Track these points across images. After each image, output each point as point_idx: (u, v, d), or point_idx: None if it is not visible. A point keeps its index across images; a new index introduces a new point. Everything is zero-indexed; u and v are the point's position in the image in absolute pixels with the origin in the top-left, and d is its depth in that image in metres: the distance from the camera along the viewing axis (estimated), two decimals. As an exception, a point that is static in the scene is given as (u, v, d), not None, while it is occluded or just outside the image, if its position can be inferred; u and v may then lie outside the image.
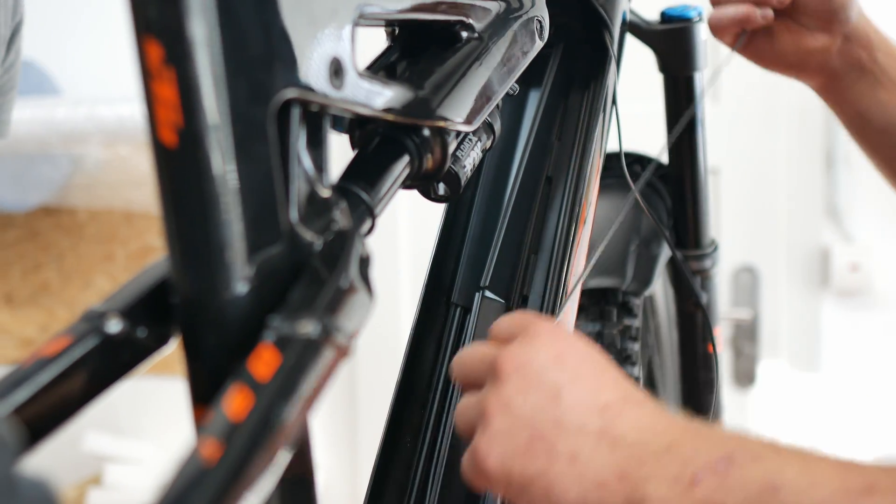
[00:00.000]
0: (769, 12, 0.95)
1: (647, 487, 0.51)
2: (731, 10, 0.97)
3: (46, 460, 0.39)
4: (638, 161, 1.18)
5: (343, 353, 0.44)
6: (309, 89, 0.47)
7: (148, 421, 2.26)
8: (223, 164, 0.42)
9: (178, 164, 0.42)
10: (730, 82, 2.04)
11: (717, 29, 0.99)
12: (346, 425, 2.24)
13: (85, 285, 2.36)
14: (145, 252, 2.31)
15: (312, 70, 0.48)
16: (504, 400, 0.54)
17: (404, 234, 2.17)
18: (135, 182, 2.13)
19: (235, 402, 0.38)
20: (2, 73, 1.00)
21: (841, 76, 0.93)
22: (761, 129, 2.08)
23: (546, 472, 0.53)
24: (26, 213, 2.31)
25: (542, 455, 0.53)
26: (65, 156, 2.13)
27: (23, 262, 2.39)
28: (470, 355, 0.59)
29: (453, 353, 0.75)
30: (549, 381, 0.54)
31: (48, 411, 0.41)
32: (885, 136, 0.93)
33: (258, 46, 0.44)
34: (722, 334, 1.80)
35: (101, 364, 0.43)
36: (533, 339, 0.57)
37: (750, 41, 0.98)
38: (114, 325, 0.44)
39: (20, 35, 1.01)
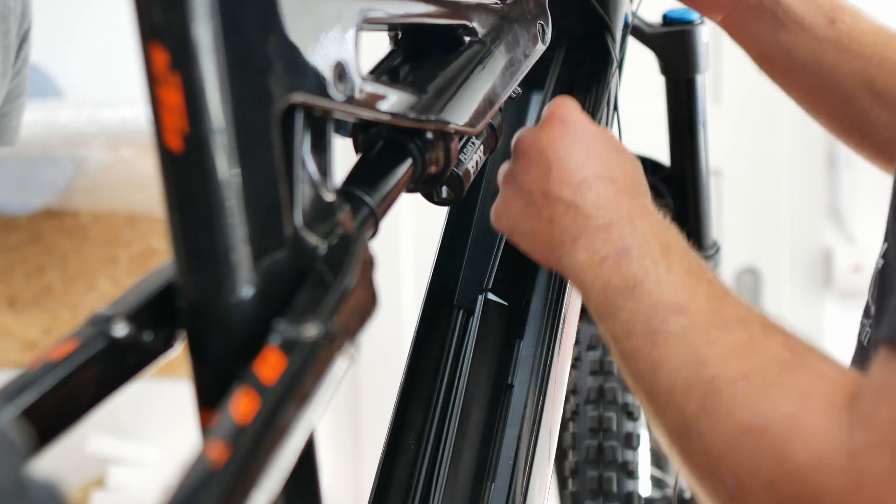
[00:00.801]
0: None
1: (578, 253, 0.67)
2: None
3: (50, 462, 0.39)
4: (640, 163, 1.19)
5: (348, 356, 0.45)
6: (313, 94, 0.48)
7: (151, 423, 2.26)
8: (228, 169, 0.43)
9: (184, 169, 0.42)
10: (732, 83, 2.05)
11: None
12: (349, 427, 2.24)
13: (88, 288, 2.37)
14: (148, 254, 2.32)
15: (316, 75, 0.48)
16: (514, 174, 0.73)
17: (407, 238, 2.17)
18: (138, 184, 2.14)
19: (242, 405, 0.38)
20: (11, 79, 1.01)
21: (738, 15, 0.89)
22: (763, 131, 2.08)
23: (534, 228, 0.71)
24: (29, 215, 2.31)
25: (533, 217, 0.70)
26: (68, 158, 2.14)
27: (26, 264, 2.39)
28: (517, 134, 0.75)
29: (456, 355, 0.75)
30: (544, 159, 0.70)
31: (55, 414, 0.41)
32: (791, 76, 0.91)
33: (263, 52, 0.44)
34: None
35: (107, 367, 0.44)
36: (543, 126, 0.73)
37: None
38: (120, 329, 0.44)
39: (28, 42, 1.02)
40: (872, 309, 0.77)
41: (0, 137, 1.04)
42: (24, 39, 1.00)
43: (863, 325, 0.79)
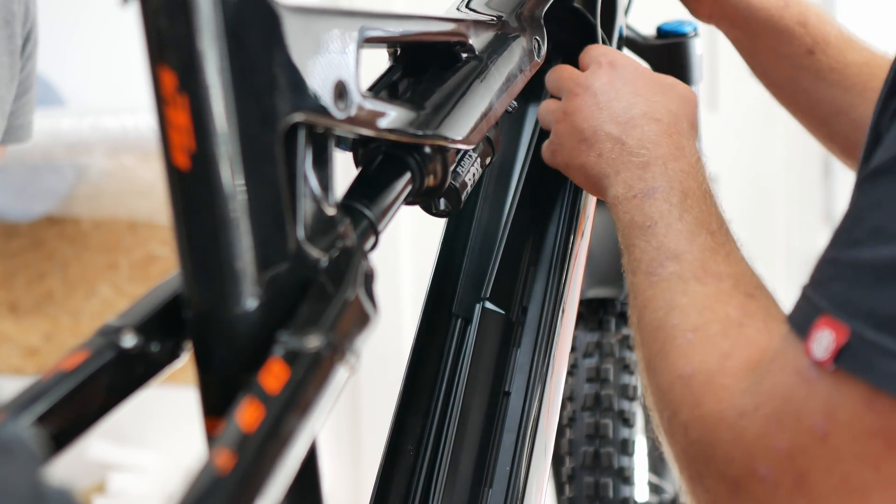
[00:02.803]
0: None
1: (617, 186, 0.72)
2: None
3: (51, 468, 0.41)
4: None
5: (349, 366, 0.46)
6: (315, 113, 0.49)
7: (151, 429, 2.27)
8: (233, 186, 0.44)
9: (191, 185, 0.44)
10: (728, 91, 2.06)
11: None
12: (349, 434, 2.26)
13: (89, 294, 2.38)
14: (149, 261, 2.33)
15: (318, 94, 0.50)
16: (567, 113, 0.78)
17: (406, 248, 2.18)
18: (139, 192, 2.15)
19: (247, 414, 0.40)
20: (18, 76, 1.02)
21: (724, 28, 0.93)
22: (759, 138, 2.10)
23: (585, 163, 0.76)
24: (31, 222, 2.33)
25: (584, 152, 0.76)
26: (69, 166, 2.15)
27: (27, 271, 2.40)
28: (560, 73, 0.81)
29: (454, 363, 0.77)
30: (597, 101, 0.76)
31: (67, 422, 0.43)
32: (773, 90, 0.95)
33: (267, 74, 0.46)
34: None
35: (116, 377, 0.45)
36: (597, 68, 0.79)
37: None
38: (128, 340, 0.46)
39: (33, 40, 1.03)
40: None
41: (12, 135, 1.05)
42: (27, 39, 1.02)
43: None
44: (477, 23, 0.72)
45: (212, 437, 0.46)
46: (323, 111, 0.50)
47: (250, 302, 0.46)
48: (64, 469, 0.36)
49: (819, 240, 2.11)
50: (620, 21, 0.97)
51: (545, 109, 0.82)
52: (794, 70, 0.91)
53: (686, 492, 0.60)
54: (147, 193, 2.13)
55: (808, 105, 0.92)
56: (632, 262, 0.69)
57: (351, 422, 2.25)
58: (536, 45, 0.78)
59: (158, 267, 2.30)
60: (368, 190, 0.59)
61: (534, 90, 0.86)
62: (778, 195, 2.11)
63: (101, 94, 2.25)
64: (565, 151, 0.78)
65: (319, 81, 0.50)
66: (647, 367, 0.64)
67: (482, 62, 0.70)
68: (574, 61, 0.91)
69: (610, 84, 0.77)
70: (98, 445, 2.19)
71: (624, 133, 0.74)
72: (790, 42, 0.90)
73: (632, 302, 0.68)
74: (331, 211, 0.52)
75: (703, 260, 0.65)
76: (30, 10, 1.02)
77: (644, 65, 1.03)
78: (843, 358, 0.49)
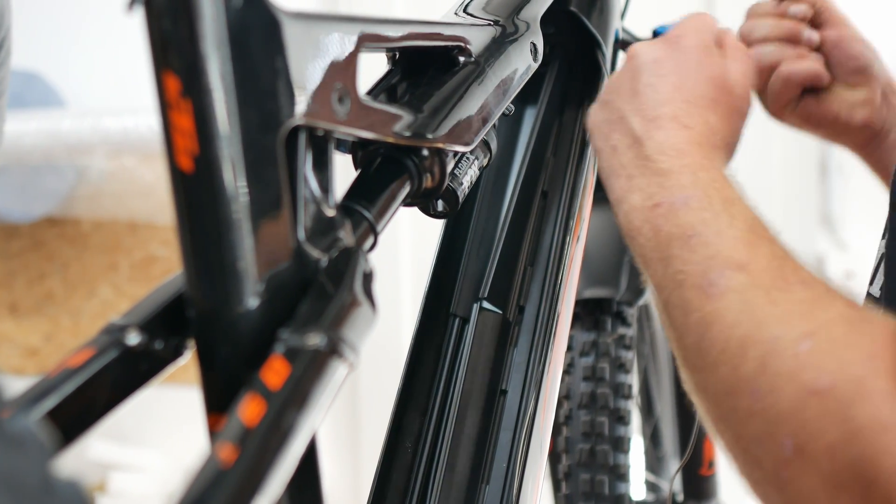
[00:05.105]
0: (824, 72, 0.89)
1: (631, 193, 0.66)
2: (801, 67, 0.90)
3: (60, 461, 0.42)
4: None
5: (348, 363, 0.48)
6: (315, 116, 0.50)
7: (151, 429, 2.28)
8: (236, 188, 0.45)
9: (194, 187, 0.45)
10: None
11: (780, 92, 0.91)
12: (349, 432, 2.27)
13: (89, 295, 2.39)
14: (149, 262, 2.34)
15: (318, 98, 0.51)
16: (613, 83, 0.73)
17: (404, 249, 2.20)
18: (139, 192, 2.17)
19: (249, 409, 0.41)
20: None
21: (882, 132, 0.88)
22: (756, 139, 2.11)
23: (601, 148, 0.71)
24: (31, 223, 2.34)
25: (604, 136, 0.71)
26: (70, 167, 2.17)
27: (27, 271, 2.41)
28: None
29: (452, 362, 0.78)
30: (636, 81, 0.71)
31: (74, 418, 0.44)
32: None
33: (268, 78, 0.47)
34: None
35: (121, 374, 0.46)
36: (661, 39, 0.73)
37: (799, 102, 0.93)
38: (133, 338, 0.47)
39: (6, 48, 1.04)
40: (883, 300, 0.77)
41: None
42: (1, 45, 1.02)
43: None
44: (474, 27, 0.73)
45: (214, 433, 0.47)
46: (323, 115, 0.51)
47: (252, 301, 0.47)
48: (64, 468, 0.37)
49: (816, 240, 2.12)
50: (616, 24, 0.98)
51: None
52: None
53: None
54: (147, 194, 2.14)
55: None
56: (670, 276, 0.61)
57: (350, 420, 2.26)
58: (533, 49, 0.79)
59: (158, 267, 2.32)
60: (367, 191, 0.61)
61: (531, 93, 0.87)
62: (774, 195, 2.13)
63: (101, 96, 2.26)
64: (594, 122, 0.73)
65: (320, 85, 0.51)
66: (733, 391, 0.53)
67: (479, 66, 0.71)
68: (570, 64, 0.93)
69: (656, 64, 0.70)
70: (98, 445, 2.20)
71: (646, 133, 0.67)
72: None
73: (679, 320, 0.59)
74: (330, 212, 0.53)
75: (776, 268, 0.57)
76: (5, 16, 1.02)
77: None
78: None
